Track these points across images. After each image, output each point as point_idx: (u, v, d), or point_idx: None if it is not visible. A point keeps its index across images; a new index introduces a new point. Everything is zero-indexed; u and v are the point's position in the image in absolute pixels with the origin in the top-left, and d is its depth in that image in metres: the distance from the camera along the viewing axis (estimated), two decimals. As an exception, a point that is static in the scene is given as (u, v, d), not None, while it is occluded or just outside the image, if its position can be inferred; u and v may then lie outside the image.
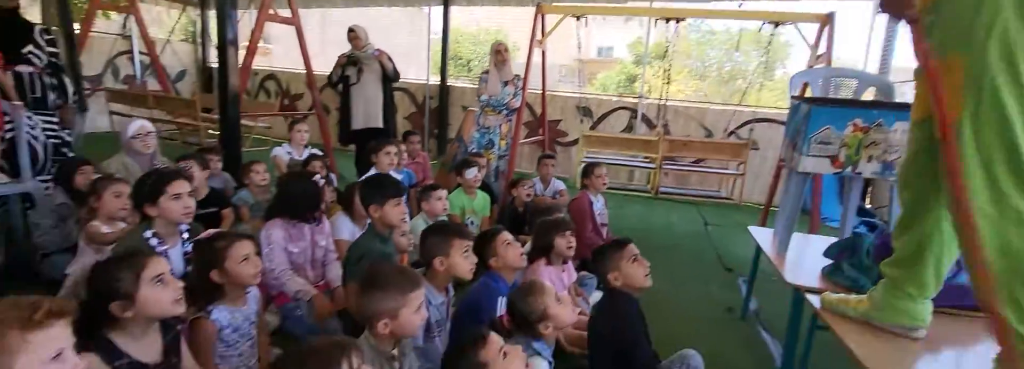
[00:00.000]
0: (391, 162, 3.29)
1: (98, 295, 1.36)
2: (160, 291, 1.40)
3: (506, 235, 2.14)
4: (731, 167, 5.02)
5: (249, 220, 3.31)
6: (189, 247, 2.17)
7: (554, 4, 4.50)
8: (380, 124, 4.75)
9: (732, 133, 6.31)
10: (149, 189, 2.02)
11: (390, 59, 4.75)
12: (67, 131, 3.20)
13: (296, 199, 2.32)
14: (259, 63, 8.10)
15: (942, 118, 1.24)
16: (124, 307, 1.36)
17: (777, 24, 4.22)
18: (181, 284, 1.46)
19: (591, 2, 6.27)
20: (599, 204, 3.58)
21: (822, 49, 4.15)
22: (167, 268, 1.44)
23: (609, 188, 5.51)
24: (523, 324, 1.64)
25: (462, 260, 1.83)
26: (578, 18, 4.48)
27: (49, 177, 2.98)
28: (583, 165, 3.65)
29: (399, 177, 3.50)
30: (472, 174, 3.46)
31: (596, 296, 2.92)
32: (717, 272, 3.78)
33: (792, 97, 2.62)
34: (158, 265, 1.42)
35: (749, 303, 3.05)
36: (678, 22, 4.42)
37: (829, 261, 2.26)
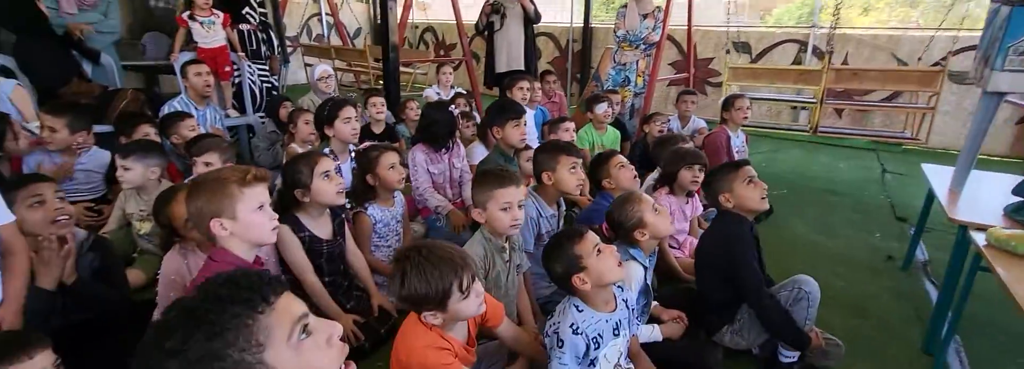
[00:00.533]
0: (523, 97, 3.47)
1: (287, 184, 1.79)
2: (327, 184, 1.78)
3: (620, 158, 2.19)
4: (919, 100, 4.17)
5: (405, 150, 3.84)
6: (355, 165, 2.66)
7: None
8: (522, 66, 4.94)
9: (936, 64, 5.20)
10: (327, 114, 2.49)
11: (532, 1, 4.83)
12: (275, 77, 4.01)
13: (434, 126, 2.64)
14: (419, 17, 8.86)
15: None
16: (303, 194, 1.77)
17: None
18: (342, 180, 1.84)
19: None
20: (739, 140, 3.35)
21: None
22: (333, 166, 1.83)
23: (761, 128, 5.04)
24: (620, 231, 1.73)
25: (568, 175, 1.93)
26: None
27: (264, 114, 3.80)
28: (724, 97, 3.41)
29: (530, 112, 3.68)
30: (602, 109, 3.48)
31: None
32: (884, 221, 3.34)
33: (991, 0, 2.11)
34: (327, 163, 1.80)
35: (915, 252, 2.68)
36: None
37: (1017, 199, 1.89)
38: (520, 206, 1.63)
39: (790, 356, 1.75)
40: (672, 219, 2.44)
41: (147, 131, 2.66)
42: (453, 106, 3.25)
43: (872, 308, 2.27)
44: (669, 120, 3.74)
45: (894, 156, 4.74)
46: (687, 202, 2.58)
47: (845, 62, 5.46)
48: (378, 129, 3.51)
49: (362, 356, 1.77)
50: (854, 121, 5.28)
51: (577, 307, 1.41)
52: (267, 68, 3.91)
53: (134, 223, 2.26)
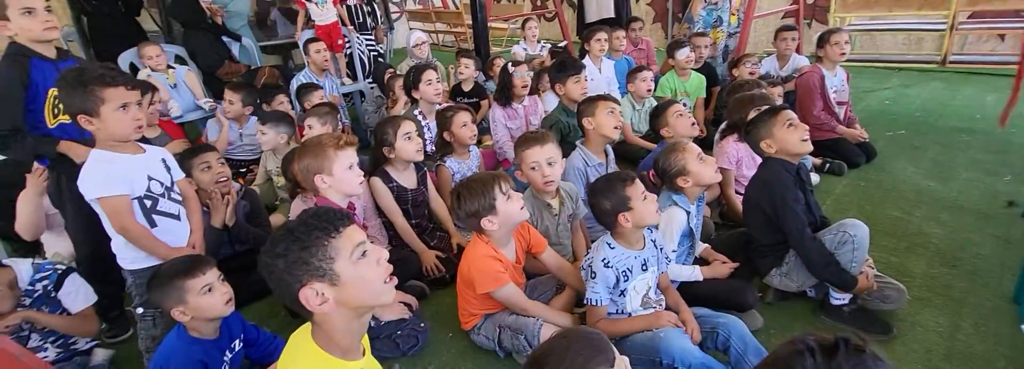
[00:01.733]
0: (602, 48, 3.49)
1: (378, 142, 2.15)
2: (408, 144, 2.11)
3: (677, 106, 2.23)
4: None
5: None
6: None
7: None
8: (611, 13, 4.86)
9: None
10: (412, 78, 2.82)
11: None
12: (381, 46, 4.47)
13: (502, 85, 2.89)
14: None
15: None
16: (389, 151, 2.13)
17: None
18: (420, 141, 2.16)
19: None
20: (837, 79, 3.08)
21: None
22: (413, 128, 2.14)
23: (884, 63, 4.43)
24: (665, 178, 1.83)
25: (607, 118, 2.07)
26: None
27: (372, 80, 4.29)
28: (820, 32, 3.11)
29: (609, 63, 3.70)
30: (684, 54, 3.38)
31: (815, 180, 2.71)
32: (1018, 162, 2.92)
33: None
34: (408, 126, 2.13)
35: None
36: None
37: None
38: (550, 163, 1.81)
39: (841, 298, 1.77)
40: (739, 164, 2.46)
41: (282, 100, 3.24)
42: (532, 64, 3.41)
43: (967, 257, 2.12)
44: (761, 62, 3.51)
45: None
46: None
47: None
48: (467, 87, 3.80)
49: (444, 285, 2.13)
50: (982, 46, 4.32)
51: (609, 244, 1.59)
52: (373, 38, 4.37)
53: (273, 178, 2.85)
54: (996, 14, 3.64)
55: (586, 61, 3.57)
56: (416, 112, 2.89)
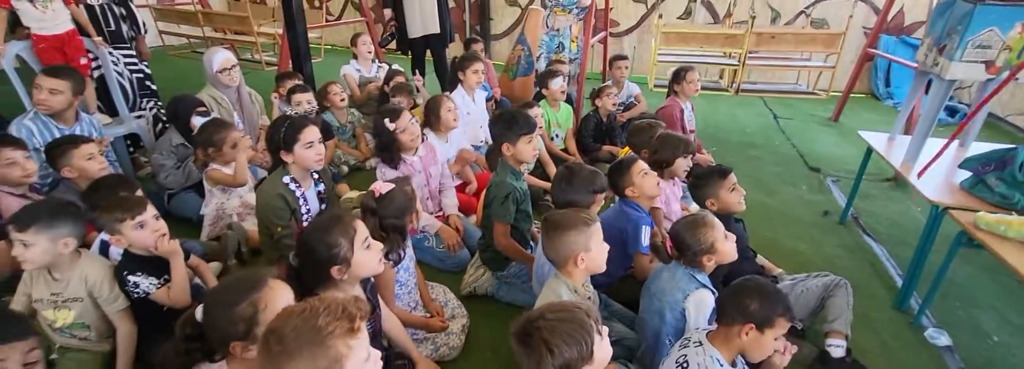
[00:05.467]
0: (479, 80, 3.13)
1: (316, 262, 1.41)
2: (369, 254, 1.45)
3: (641, 164, 2.10)
4: (817, 59, 4.62)
5: (339, 144, 3.31)
6: (321, 187, 2.22)
7: None
8: (437, 29, 4.46)
9: (801, 13, 5.79)
10: (284, 137, 1.99)
11: None
12: (145, 63, 3.05)
13: (382, 146, 2.33)
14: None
15: None
16: (342, 271, 1.42)
17: None
18: (380, 245, 1.50)
19: None
20: (688, 110, 3.45)
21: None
22: (368, 232, 1.47)
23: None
24: (687, 254, 1.70)
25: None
26: None
27: (140, 114, 2.93)
28: (673, 70, 3.42)
29: (482, 93, 3.38)
30: (558, 85, 3.30)
31: (694, 208, 2.98)
32: (802, 173, 3.77)
33: (943, -9, 2.32)
34: (363, 229, 1.45)
35: (850, 207, 3.07)
36: None
37: (968, 173, 2.21)
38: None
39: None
40: (668, 202, 2.53)
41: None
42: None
43: (838, 268, 2.60)
44: (617, 92, 3.69)
45: (791, 105, 5.30)
46: (673, 184, 2.64)
47: (729, 14, 5.82)
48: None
49: None
50: (758, 76, 5.69)
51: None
52: (134, 53, 2.96)
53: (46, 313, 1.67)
54: (774, 55, 4.75)
55: (459, 93, 3.16)
56: (285, 180, 2.06)
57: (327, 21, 6.74)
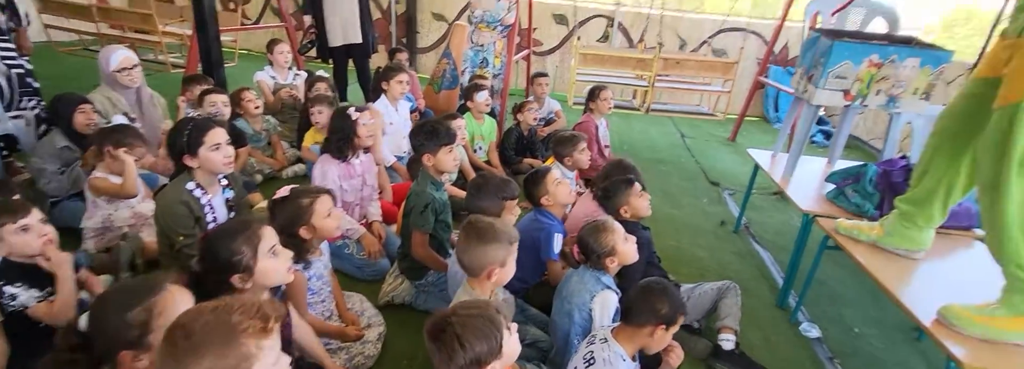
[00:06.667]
0: (403, 91, 3.15)
1: (218, 269, 1.37)
2: (276, 262, 1.42)
3: (555, 173, 2.23)
4: (716, 84, 5.12)
5: (253, 152, 3.19)
6: (229, 194, 2.13)
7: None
8: (358, 39, 4.43)
9: (704, 43, 6.37)
10: (188, 140, 1.90)
11: None
12: (26, 57, 2.76)
13: (339, 136, 2.28)
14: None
15: (1009, 91, 1.38)
16: (244, 279, 1.39)
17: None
18: (290, 253, 1.48)
19: None
20: (603, 127, 3.67)
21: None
22: (277, 239, 1.45)
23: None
24: (591, 257, 1.82)
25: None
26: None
27: (19, 113, 2.65)
28: (589, 88, 3.64)
29: (405, 103, 3.39)
30: (483, 98, 3.40)
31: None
32: (704, 187, 4.11)
33: (810, 29, 2.68)
34: (271, 236, 1.42)
35: (741, 218, 3.40)
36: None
37: (833, 185, 2.54)
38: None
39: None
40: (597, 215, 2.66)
41: None
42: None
43: (732, 275, 2.86)
44: (538, 107, 3.84)
45: (695, 124, 5.76)
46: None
47: (641, 39, 6.29)
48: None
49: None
50: (665, 97, 6.17)
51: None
52: (12, 46, 2.67)
53: None
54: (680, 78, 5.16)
55: (383, 103, 3.17)
56: (189, 187, 1.96)
57: (243, 25, 6.45)
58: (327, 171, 2.24)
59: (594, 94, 3.53)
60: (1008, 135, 1.40)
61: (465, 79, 4.16)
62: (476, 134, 3.48)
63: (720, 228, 3.41)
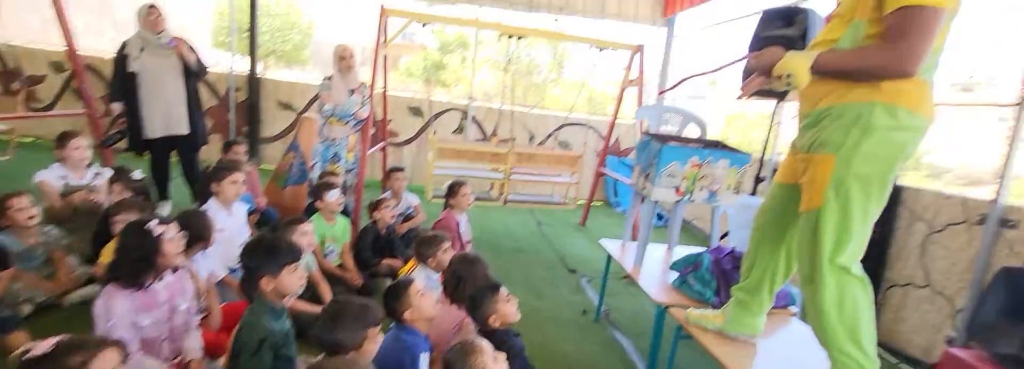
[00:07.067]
0: (238, 192, 2.79)
1: None
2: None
3: (418, 284, 2.06)
4: (565, 176, 5.51)
5: (20, 275, 2.47)
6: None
7: (399, 9, 4.27)
8: (184, 130, 3.99)
9: (550, 136, 6.99)
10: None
11: (192, 49, 3.98)
12: None
13: (132, 258, 1.83)
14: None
15: (810, 199, 1.65)
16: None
17: (601, 49, 4.77)
18: None
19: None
20: (464, 222, 3.63)
21: (634, 74, 4.87)
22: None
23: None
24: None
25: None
26: (424, 25, 4.35)
27: None
28: (448, 183, 3.63)
29: (241, 206, 3.00)
30: (334, 197, 3.15)
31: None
32: (563, 275, 4.21)
33: (642, 132, 3.06)
34: None
35: (602, 305, 3.49)
36: (519, 39, 4.64)
37: (676, 273, 2.75)
38: None
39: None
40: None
41: None
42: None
43: (598, 365, 2.86)
44: (395, 204, 3.70)
45: (548, 214, 6.06)
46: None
47: (494, 133, 6.69)
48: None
49: None
50: (520, 188, 6.49)
51: None
52: None
53: None
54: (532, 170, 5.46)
55: (213, 207, 2.76)
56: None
57: (32, 110, 5.43)
58: (113, 306, 1.74)
59: (454, 190, 3.52)
60: (816, 236, 1.63)
61: (314, 175, 3.89)
62: (327, 237, 3.18)
63: (582, 317, 3.45)
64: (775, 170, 4.73)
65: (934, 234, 3.29)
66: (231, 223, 2.77)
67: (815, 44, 1.74)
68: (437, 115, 6.73)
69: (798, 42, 3.57)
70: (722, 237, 4.11)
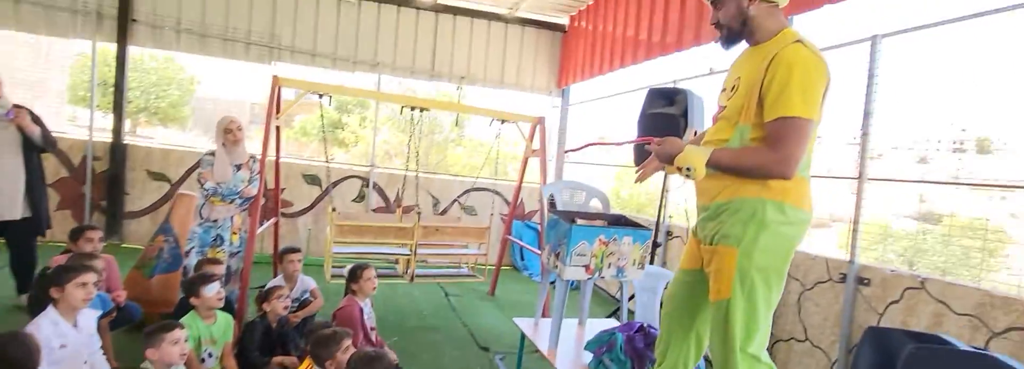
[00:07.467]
0: (86, 296, 2.31)
1: None
2: None
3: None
4: (472, 248, 5.44)
5: None
6: None
7: (293, 78, 4.10)
8: (19, 214, 3.39)
9: (455, 201, 6.94)
10: None
11: (37, 120, 3.49)
12: None
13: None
14: None
15: (718, 290, 1.71)
16: None
17: (503, 121, 4.92)
18: None
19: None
20: (368, 308, 3.35)
21: (536, 144, 5.05)
22: None
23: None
24: None
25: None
26: (320, 96, 4.20)
27: None
28: (349, 267, 3.36)
29: (90, 313, 2.50)
30: (213, 291, 2.74)
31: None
32: (475, 353, 3.99)
33: (550, 211, 3.10)
34: None
35: (517, 388, 3.33)
36: (422, 111, 4.64)
37: (591, 354, 2.71)
38: None
39: None
40: None
41: None
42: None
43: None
44: (288, 293, 3.32)
45: (458, 287, 5.84)
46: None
47: (397, 199, 6.49)
48: None
49: None
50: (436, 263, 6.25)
51: None
52: None
53: None
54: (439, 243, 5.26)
55: (51, 317, 2.26)
56: None
57: None
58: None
59: (356, 274, 3.26)
60: (726, 327, 1.69)
61: (191, 262, 3.42)
62: (204, 338, 2.73)
63: (501, 403, 3.25)
64: (668, 233, 5.06)
65: (807, 291, 3.62)
66: (75, 338, 2.27)
67: (706, 142, 1.90)
68: (336, 183, 6.41)
69: (680, 119, 3.96)
70: (630, 298, 4.21)
